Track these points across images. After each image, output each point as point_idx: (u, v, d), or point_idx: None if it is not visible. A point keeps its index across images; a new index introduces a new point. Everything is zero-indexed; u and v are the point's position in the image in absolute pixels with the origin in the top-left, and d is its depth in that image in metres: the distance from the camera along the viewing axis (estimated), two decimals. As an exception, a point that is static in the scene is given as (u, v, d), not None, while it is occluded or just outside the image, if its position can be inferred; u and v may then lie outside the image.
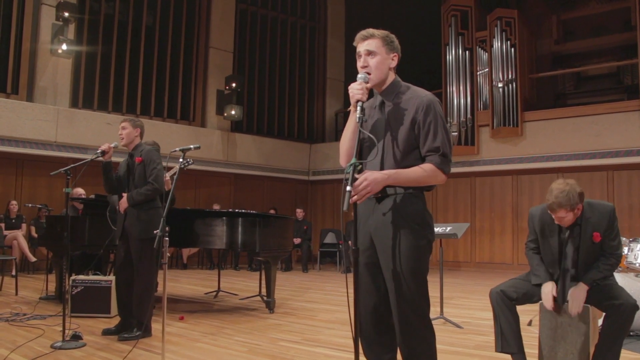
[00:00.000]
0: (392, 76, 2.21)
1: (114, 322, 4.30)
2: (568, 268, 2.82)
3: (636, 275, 4.16)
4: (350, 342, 2.09)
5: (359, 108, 2.04)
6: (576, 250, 2.82)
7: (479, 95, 10.48)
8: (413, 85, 2.23)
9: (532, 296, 2.92)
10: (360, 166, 2.00)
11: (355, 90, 2.07)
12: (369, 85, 2.11)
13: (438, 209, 11.09)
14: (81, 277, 4.81)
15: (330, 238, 11.05)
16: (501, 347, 2.87)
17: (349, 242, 3.95)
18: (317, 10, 13.74)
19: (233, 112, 11.14)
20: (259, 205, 11.80)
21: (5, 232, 7.89)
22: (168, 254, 3.27)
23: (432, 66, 11.36)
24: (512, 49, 10.14)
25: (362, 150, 2.15)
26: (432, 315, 2.19)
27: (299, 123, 13.38)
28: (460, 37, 10.68)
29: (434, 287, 3.20)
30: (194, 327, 4.42)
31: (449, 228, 4.77)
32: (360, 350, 2.02)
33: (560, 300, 2.82)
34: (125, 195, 4.05)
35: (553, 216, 2.79)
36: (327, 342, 3.94)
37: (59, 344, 3.54)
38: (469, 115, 10.45)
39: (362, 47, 2.16)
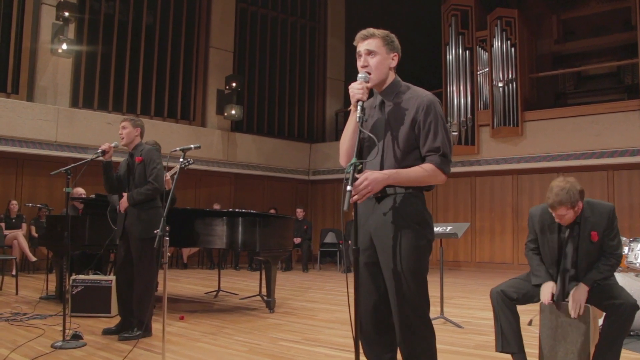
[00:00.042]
0: (392, 76, 2.21)
1: (114, 321, 4.30)
2: (567, 268, 2.82)
3: (636, 275, 4.16)
4: (351, 342, 2.09)
5: (359, 108, 2.04)
6: (576, 250, 2.81)
7: (479, 95, 10.47)
8: (413, 85, 2.23)
9: (533, 296, 2.92)
10: (361, 166, 2.01)
11: (356, 89, 2.07)
12: (369, 84, 2.11)
13: (438, 208, 11.08)
14: (81, 276, 4.81)
15: (330, 238, 11.04)
16: (501, 346, 2.87)
17: (349, 241, 3.95)
18: (317, 10, 13.73)
19: (233, 112, 11.14)
20: (259, 205, 11.80)
21: (6, 232, 7.89)
22: (168, 254, 3.27)
23: (432, 66, 11.35)
24: (512, 49, 10.13)
25: (362, 149, 2.15)
26: (432, 315, 2.20)
27: (299, 123, 13.37)
28: (460, 36, 10.68)
29: (434, 287, 3.20)
30: (194, 326, 4.42)
31: (449, 228, 4.77)
32: (361, 350, 2.03)
33: (559, 300, 2.82)
34: (125, 194, 4.05)
35: (553, 214, 2.78)
36: (327, 341, 3.94)
37: (59, 344, 3.54)
38: (469, 115, 10.44)
39: (362, 46, 2.16)
